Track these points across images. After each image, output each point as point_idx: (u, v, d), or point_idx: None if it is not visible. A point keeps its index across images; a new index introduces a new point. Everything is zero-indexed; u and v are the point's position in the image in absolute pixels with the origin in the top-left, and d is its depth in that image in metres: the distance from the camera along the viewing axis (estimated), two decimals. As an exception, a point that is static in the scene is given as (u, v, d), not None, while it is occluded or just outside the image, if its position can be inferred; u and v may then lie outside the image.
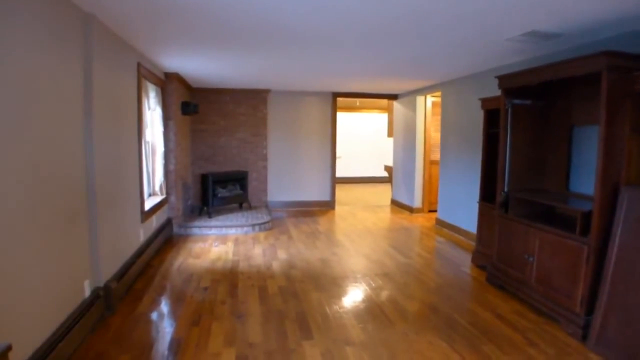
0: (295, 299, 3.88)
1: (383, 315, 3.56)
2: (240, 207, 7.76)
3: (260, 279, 4.39)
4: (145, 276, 4.45)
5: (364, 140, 13.36)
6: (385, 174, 11.22)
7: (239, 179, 7.60)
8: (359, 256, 5.30)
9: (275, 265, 4.86)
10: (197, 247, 5.63)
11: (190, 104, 6.70)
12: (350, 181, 13.01)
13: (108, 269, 3.62)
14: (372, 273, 4.63)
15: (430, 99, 8.03)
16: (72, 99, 3.03)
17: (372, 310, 3.66)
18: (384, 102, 11.53)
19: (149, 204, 5.18)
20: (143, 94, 4.81)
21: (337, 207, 8.79)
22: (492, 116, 4.81)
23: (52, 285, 2.73)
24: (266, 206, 8.07)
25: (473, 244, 5.80)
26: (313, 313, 3.58)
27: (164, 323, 3.40)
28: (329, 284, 4.31)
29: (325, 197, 8.73)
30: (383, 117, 13.06)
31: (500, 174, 4.26)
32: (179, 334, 3.19)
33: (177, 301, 3.83)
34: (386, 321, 3.44)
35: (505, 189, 4.21)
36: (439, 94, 7.69)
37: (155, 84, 5.41)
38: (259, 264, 4.92)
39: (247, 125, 8.06)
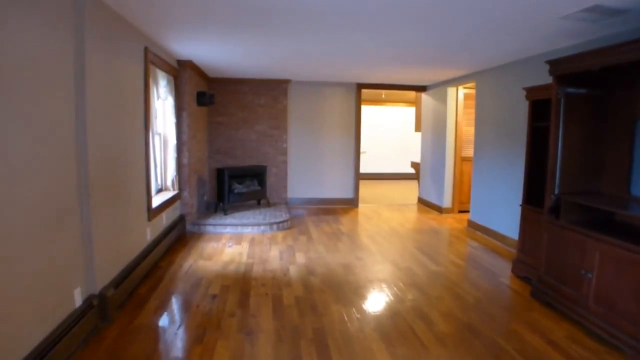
0: (314, 313, 3.43)
1: (414, 337, 3.08)
2: (258, 204, 7.35)
3: (275, 287, 3.96)
4: (151, 279, 4.07)
5: (389, 135, 12.81)
6: (412, 171, 10.66)
7: (257, 174, 7.19)
8: (385, 262, 4.82)
9: (293, 271, 4.42)
10: (209, 246, 5.24)
11: (206, 94, 6.31)
12: (374, 177, 12.48)
13: (105, 274, 3.24)
14: (400, 283, 4.15)
15: (462, 91, 7.45)
16: (58, 81, 2.64)
17: (401, 330, 3.19)
18: (411, 94, 10.94)
19: (157, 200, 4.81)
20: (151, 82, 4.42)
21: (360, 205, 8.30)
22: (538, 108, 4.25)
23: (33, 296, 2.35)
24: (285, 203, 7.65)
25: (511, 250, 5.27)
26: (333, 332, 3.12)
27: (164, 338, 2.99)
28: (352, 294, 3.85)
29: (348, 195, 8.26)
30: (409, 111, 12.45)
31: (550, 174, 3.71)
32: (178, 354, 2.78)
33: (182, 311, 3.44)
34: (418, 345, 2.96)
35: (556, 192, 3.67)
36: (472, 85, 7.12)
37: (166, 71, 5.02)
38: (275, 268, 4.49)
39: (267, 118, 7.65)
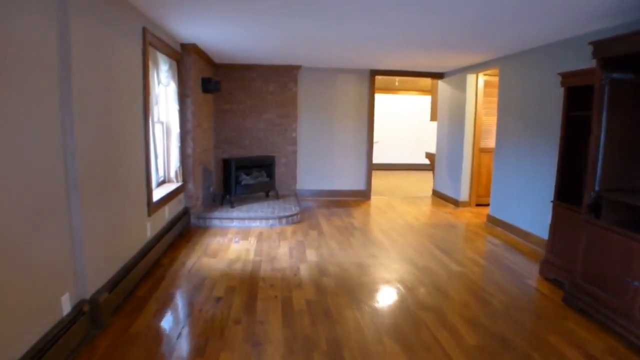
0: (327, 320, 3.11)
1: (440, 349, 2.76)
2: (267, 196, 7.04)
3: (284, 289, 3.65)
4: (151, 278, 3.79)
5: (401, 124, 12.41)
6: (425, 161, 10.30)
7: (266, 165, 6.86)
8: (402, 261, 4.49)
9: (304, 270, 4.11)
10: (214, 242, 4.94)
11: (212, 80, 5.97)
12: (386, 168, 12.11)
13: (98, 276, 2.95)
14: (420, 285, 3.82)
15: (482, 78, 7.04)
16: (37, 65, 2.31)
17: (424, 340, 2.86)
18: (426, 82, 10.54)
19: (159, 193, 4.50)
20: (152, 66, 4.09)
21: (372, 198, 7.96)
22: (575, 95, 3.87)
23: (12, 305, 2.07)
24: (295, 195, 7.33)
25: (535, 248, 4.93)
26: (349, 342, 2.81)
27: (161, 349, 2.70)
28: (368, 298, 3.53)
29: (360, 187, 7.91)
30: (424, 99, 12.07)
31: (590, 169, 3.33)
32: (177, 369, 2.49)
33: (183, 317, 3.14)
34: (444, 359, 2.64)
35: (596, 188, 3.30)
36: (493, 71, 6.72)
37: (168, 55, 4.69)
38: (284, 267, 4.18)
39: (276, 106, 7.30)
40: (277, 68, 7.15)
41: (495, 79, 7.01)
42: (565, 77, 3.93)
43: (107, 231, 3.10)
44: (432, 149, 9.11)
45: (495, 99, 7.07)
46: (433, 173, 8.60)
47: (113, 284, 3.09)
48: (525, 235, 5.29)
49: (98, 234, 2.94)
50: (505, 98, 5.90)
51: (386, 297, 3.58)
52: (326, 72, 7.51)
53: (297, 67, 7.21)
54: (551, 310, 3.43)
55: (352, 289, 3.70)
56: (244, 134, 7.29)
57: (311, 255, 4.55)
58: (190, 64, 5.32)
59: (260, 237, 5.21)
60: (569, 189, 3.96)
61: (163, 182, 5.14)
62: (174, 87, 4.98)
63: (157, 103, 4.18)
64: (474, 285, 3.90)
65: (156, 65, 4.23)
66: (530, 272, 4.24)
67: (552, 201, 4.11)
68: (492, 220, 6.14)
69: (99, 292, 2.88)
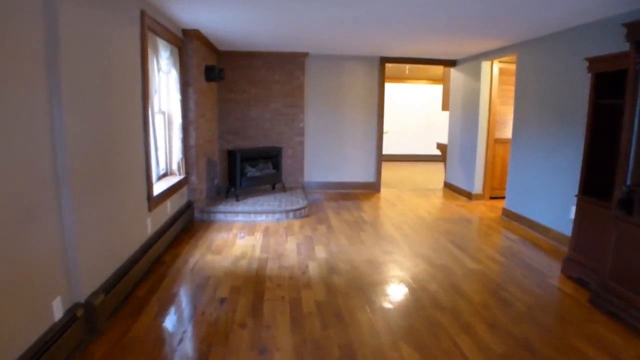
0: (339, 323, 2.91)
1: (461, 356, 2.54)
2: (273, 189, 6.83)
3: (292, 289, 3.44)
4: (152, 277, 3.59)
5: (411, 114, 12.12)
6: (435, 152, 10.03)
7: (272, 157, 6.64)
8: (416, 257, 4.26)
9: (313, 268, 3.90)
10: (219, 238, 4.74)
11: (216, 68, 5.74)
12: (395, 159, 11.84)
13: (93, 277, 2.75)
14: (436, 284, 3.60)
15: (496, 65, 6.75)
16: (22, 47, 2.09)
17: (444, 346, 2.65)
18: (437, 71, 10.24)
19: (160, 186, 4.30)
20: (151, 52, 3.86)
21: (382, 190, 7.72)
22: (604, 82, 3.60)
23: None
24: (302, 188, 7.11)
25: (555, 244, 4.71)
26: (363, 349, 2.60)
27: (160, 356, 2.50)
28: (382, 298, 3.32)
29: (370, 179, 7.68)
30: (433, 89, 11.79)
31: (622, 162, 3.08)
32: (177, 380, 2.29)
33: (184, 320, 2.94)
34: (469, 371, 2.43)
35: (628, 182, 3.05)
36: (510, 58, 6.44)
37: (169, 41, 4.45)
38: (292, 265, 3.98)
39: (282, 95, 7.06)
40: (283, 55, 6.90)
41: (512, 67, 6.74)
42: (594, 62, 3.66)
43: (103, 229, 2.90)
44: (443, 140, 8.85)
45: (511, 87, 6.81)
46: (444, 164, 8.34)
47: (110, 285, 2.90)
48: (544, 230, 5.05)
49: (93, 232, 2.74)
50: (523, 86, 5.62)
51: (401, 298, 3.37)
52: (334, 59, 7.24)
53: (304, 55, 6.95)
54: (577, 312, 3.20)
55: (364, 288, 3.49)
56: (249, 124, 7.06)
57: (320, 252, 4.34)
58: (193, 51, 5.09)
59: (266, 232, 5.01)
60: (595, 182, 3.71)
61: (165, 175, 4.94)
62: (176, 75, 4.75)
63: (157, 92, 3.95)
64: (493, 284, 3.68)
65: (156, 51, 4.00)
66: (551, 270, 4.01)
67: (576, 195, 3.85)
68: (507, 214, 5.90)
69: (94, 294, 2.69)
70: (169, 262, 3.96)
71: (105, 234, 2.93)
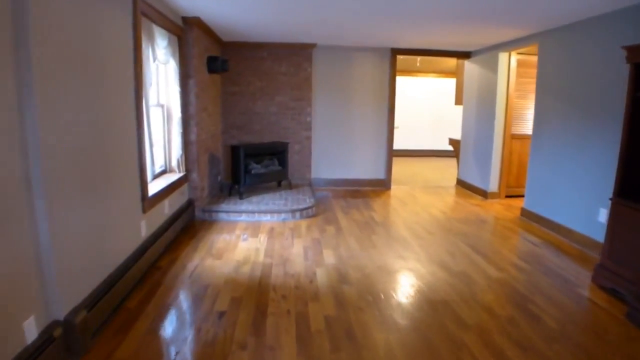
0: (352, 344, 2.59)
1: (492, 388, 2.22)
2: (279, 186, 6.51)
3: (299, 301, 3.13)
4: (146, 285, 3.29)
5: (422, 108, 11.73)
6: (446, 147, 9.68)
7: (278, 152, 6.31)
8: (433, 264, 3.93)
9: (321, 276, 3.58)
10: (220, 240, 4.43)
11: (219, 59, 5.41)
12: (405, 154, 11.49)
13: (74, 291, 2.45)
14: (457, 296, 3.27)
15: (514, 57, 6.37)
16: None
17: (472, 375, 2.33)
18: (449, 64, 9.86)
19: (157, 185, 4.00)
20: (146, 41, 3.54)
21: (393, 187, 7.38)
22: (646, 73, 3.24)
23: None
24: (309, 185, 6.79)
25: (583, 250, 4.39)
26: (379, 377, 2.28)
27: (149, 383, 2.20)
28: (398, 313, 3.00)
29: (379, 175, 7.33)
30: (445, 82, 11.40)
31: (672, 162, 2.73)
32: (165, 416, 1.99)
33: (178, 338, 2.63)
34: (503, 407, 2.10)
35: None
36: (528, 49, 6.08)
37: (167, 29, 4.13)
38: (299, 272, 3.66)
39: (289, 88, 6.72)
40: (290, 46, 6.56)
41: (530, 58, 6.38)
42: (633, 51, 3.28)
43: (87, 235, 2.59)
44: (456, 135, 8.48)
45: (529, 80, 6.46)
46: (457, 161, 7.97)
47: (96, 298, 2.60)
48: (568, 233, 4.70)
49: (74, 240, 2.43)
50: (546, 78, 5.24)
51: (419, 313, 3.04)
52: (343, 50, 6.89)
53: (312, 46, 6.61)
54: (614, 329, 2.86)
55: (378, 301, 3.16)
56: (254, 118, 6.74)
57: (329, 257, 4.02)
58: (194, 41, 4.76)
59: (271, 233, 4.70)
60: (633, 183, 3.36)
61: (164, 172, 4.63)
62: (175, 66, 4.43)
63: (152, 84, 3.63)
64: (519, 295, 3.34)
65: (151, 39, 3.67)
66: (580, 279, 3.66)
67: (611, 198, 3.50)
68: (526, 215, 5.55)
69: (75, 310, 2.38)
70: (165, 268, 3.66)
71: (89, 241, 2.63)
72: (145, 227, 3.56)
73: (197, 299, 3.11)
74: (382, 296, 3.24)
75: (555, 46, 5.04)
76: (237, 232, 4.71)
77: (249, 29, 5.50)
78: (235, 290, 3.25)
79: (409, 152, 11.61)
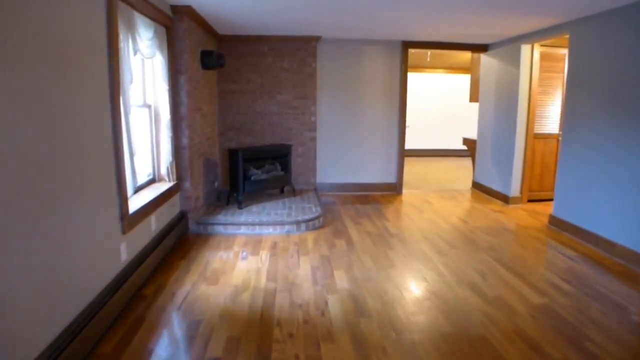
0: (377, 406, 2.05)
1: None
2: (282, 192, 5.98)
3: (309, 341, 2.58)
4: (127, 321, 2.76)
5: (432, 106, 11.18)
6: (459, 147, 9.14)
7: (280, 156, 5.77)
8: (463, 286, 3.38)
9: (334, 306, 3.04)
10: (216, 258, 3.90)
11: (214, 53, 4.87)
12: (415, 154, 10.92)
13: (25, 345, 1.91)
14: (497, 331, 2.72)
15: (536, 49, 5.82)
16: None
17: None
18: (461, 59, 9.29)
19: (142, 198, 3.46)
20: (124, 30, 2.99)
21: (404, 191, 6.84)
22: None
23: None
24: (314, 190, 6.24)
25: (628, 265, 3.92)
26: None
27: None
28: (432, 357, 2.45)
29: (390, 179, 6.79)
30: (457, 78, 10.89)
31: None
32: None
33: (160, 399, 2.10)
34: None
35: None
36: (552, 41, 5.57)
37: (153, 19, 3.59)
38: (307, 300, 3.12)
39: (291, 85, 6.17)
40: (292, 40, 6.01)
41: (553, 51, 5.87)
42: None
43: (40, 273, 2.05)
44: (470, 134, 7.94)
45: (553, 75, 6.02)
46: (473, 162, 7.42)
47: (56, 352, 2.06)
48: (606, 245, 4.17)
49: (19, 282, 1.89)
50: (578, 72, 4.69)
51: (456, 356, 2.50)
52: (350, 44, 6.33)
53: (316, 39, 6.06)
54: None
55: (404, 339, 2.62)
56: (253, 119, 6.20)
57: (341, 280, 3.48)
58: (185, 32, 4.22)
59: (274, 249, 4.16)
60: None
61: (152, 182, 4.10)
62: (162, 60, 3.88)
63: (132, 81, 3.08)
64: (569, 328, 2.79)
65: (132, 29, 3.13)
66: (635, 303, 3.13)
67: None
68: (556, 223, 5.00)
69: (24, 373, 1.85)
70: (151, 297, 3.12)
71: (45, 280, 2.08)
72: (125, 251, 3.02)
73: (186, 341, 2.57)
74: (409, 333, 2.69)
75: (589, 36, 4.49)
76: (236, 248, 4.17)
77: (247, 21, 4.95)
78: (232, 328, 2.71)
79: (418, 152, 11.05)
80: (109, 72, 2.73)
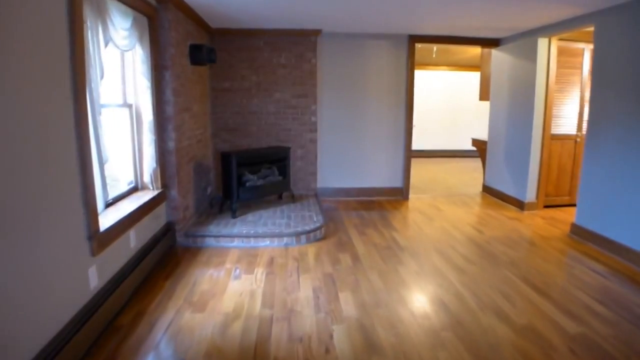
0: None
1: None
2: (280, 198, 5.53)
3: (311, 389, 2.15)
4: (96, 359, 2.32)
5: (438, 105, 10.75)
6: (465, 148, 8.74)
7: (278, 160, 5.32)
8: (488, 313, 2.94)
9: (340, 339, 2.59)
10: (205, 278, 3.45)
11: (204, 47, 4.43)
12: (419, 155, 10.49)
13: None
14: (538, 376, 2.29)
15: (554, 44, 5.39)
16: None
17: None
18: (467, 55, 8.87)
19: (117, 212, 3.01)
20: (92, 17, 2.54)
21: (411, 196, 6.41)
22: None
23: None
24: (315, 196, 5.80)
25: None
26: None
27: None
28: (460, 412, 2.02)
29: (396, 183, 6.35)
30: (463, 76, 10.48)
31: None
32: None
33: None
34: None
35: None
36: (569, 34, 5.16)
37: (131, 6, 3.14)
38: (309, 332, 2.67)
39: (290, 82, 5.73)
40: (291, 33, 5.56)
41: (570, 45, 5.47)
42: None
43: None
44: (478, 135, 7.52)
45: (570, 71, 5.57)
46: (483, 164, 6.98)
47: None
48: (638, 258, 3.74)
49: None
50: (606, 68, 4.25)
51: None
52: (353, 38, 5.89)
53: (316, 32, 5.61)
54: None
55: (426, 385, 2.18)
56: (249, 119, 5.75)
57: (348, 305, 3.03)
58: (170, 24, 3.77)
59: (270, 266, 3.71)
60: None
61: (135, 190, 3.66)
62: (142, 54, 3.43)
63: (103, 76, 2.63)
64: (617, 365, 2.36)
65: (102, 16, 2.67)
66: (688, 332, 2.70)
67: None
68: (579, 232, 4.57)
69: None
70: (126, 328, 2.67)
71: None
72: (96, 276, 2.57)
73: (163, 390, 2.13)
74: (431, 377, 2.26)
75: (618, 28, 4.06)
76: (228, 265, 3.73)
77: (241, 12, 4.51)
78: (220, 371, 2.27)
79: (422, 153, 10.62)
80: (71, 65, 2.28)
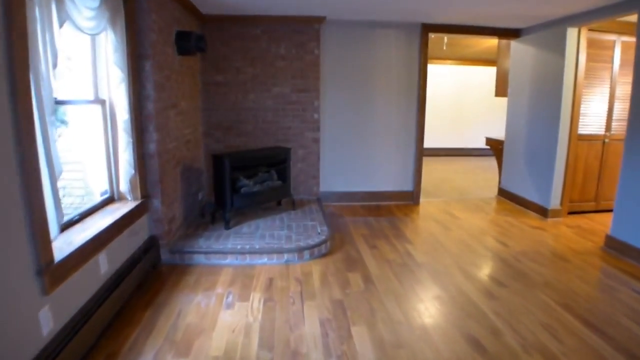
0: None
1: None
2: (279, 204, 5.00)
3: None
4: None
5: (449, 101, 10.21)
6: (476, 146, 8.24)
7: (277, 162, 4.78)
8: (534, 353, 2.39)
9: (356, 396, 2.07)
10: (192, 306, 2.91)
11: (192, 35, 3.87)
12: (426, 153, 9.97)
13: None
14: None
15: (583, 35, 4.85)
16: None
17: None
18: (481, 48, 8.30)
19: (79, 235, 2.46)
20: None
21: (422, 200, 5.88)
22: None
23: None
24: (317, 201, 5.27)
25: None
26: None
27: None
28: None
29: (406, 186, 5.81)
30: (475, 71, 9.97)
31: None
32: None
33: None
34: None
35: None
36: (599, 25, 4.66)
37: (101, -21, 2.58)
38: (317, 385, 2.15)
39: (290, 75, 5.17)
40: (291, 21, 4.99)
41: (600, 37, 4.95)
42: None
43: None
44: (491, 133, 7.01)
45: (600, 65, 5.08)
46: (499, 166, 6.45)
47: None
48: (702, 282, 3.22)
49: None
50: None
51: None
52: (360, 26, 5.32)
53: (320, 20, 5.04)
54: None
55: None
56: (244, 116, 5.20)
57: (363, 344, 2.50)
58: (151, 5, 3.21)
59: (269, 290, 3.18)
60: None
61: (111, 201, 3.12)
62: (114, 40, 2.87)
63: (56, 65, 2.07)
64: None
65: (60, -10, 2.11)
66: None
67: None
68: (614, 246, 4.06)
69: None
70: (91, 380, 2.14)
71: None
72: (50, 319, 2.03)
73: None
74: None
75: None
76: (219, 288, 3.19)
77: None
78: None
79: (429, 150, 10.08)
80: (6, 48, 1.73)
